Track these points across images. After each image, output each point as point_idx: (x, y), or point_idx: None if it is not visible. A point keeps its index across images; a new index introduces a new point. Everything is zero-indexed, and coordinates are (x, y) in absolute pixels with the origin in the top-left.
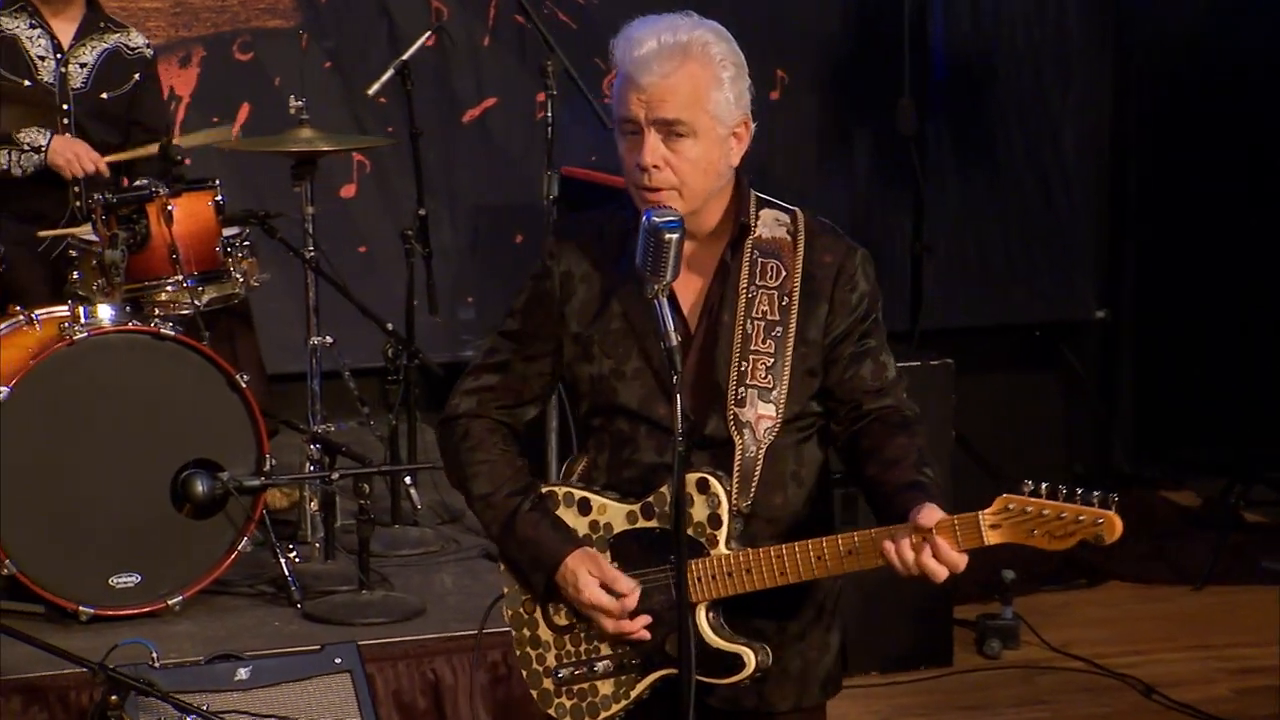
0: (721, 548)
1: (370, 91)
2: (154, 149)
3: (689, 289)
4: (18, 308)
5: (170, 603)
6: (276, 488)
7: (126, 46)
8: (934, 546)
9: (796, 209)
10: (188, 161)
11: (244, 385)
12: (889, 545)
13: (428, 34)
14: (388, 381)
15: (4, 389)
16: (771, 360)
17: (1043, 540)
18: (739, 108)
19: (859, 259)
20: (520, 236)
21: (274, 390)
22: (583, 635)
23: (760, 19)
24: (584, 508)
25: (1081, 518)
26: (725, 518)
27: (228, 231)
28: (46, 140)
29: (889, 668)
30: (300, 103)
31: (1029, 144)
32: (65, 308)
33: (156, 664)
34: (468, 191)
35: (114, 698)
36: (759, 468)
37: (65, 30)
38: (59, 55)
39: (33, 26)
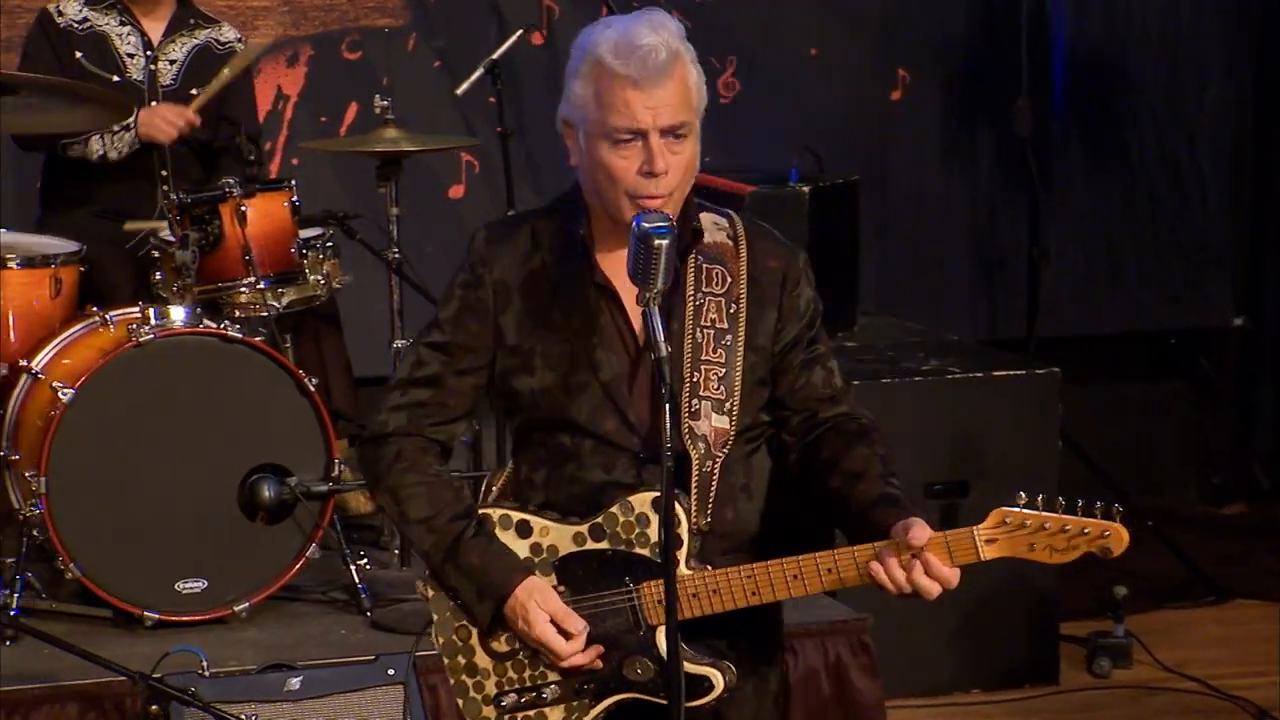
0: (682, 567)
1: (459, 91)
2: (226, 75)
3: (634, 296)
4: (94, 308)
5: (236, 609)
6: (359, 492)
7: (217, 41)
8: (925, 563)
9: (730, 212)
10: (282, 168)
11: (313, 389)
12: (876, 566)
13: (518, 33)
14: None
15: (70, 391)
16: (723, 370)
17: (1043, 554)
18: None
19: (802, 262)
20: None
21: (360, 393)
22: (526, 661)
23: (882, 16)
24: (523, 530)
25: (1086, 530)
26: (685, 537)
27: (308, 233)
28: (134, 115)
29: (992, 685)
30: (385, 102)
31: (1162, 144)
32: (137, 309)
33: (206, 673)
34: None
35: (154, 707)
36: (715, 483)
37: (155, 27)
38: (149, 52)
39: (122, 24)
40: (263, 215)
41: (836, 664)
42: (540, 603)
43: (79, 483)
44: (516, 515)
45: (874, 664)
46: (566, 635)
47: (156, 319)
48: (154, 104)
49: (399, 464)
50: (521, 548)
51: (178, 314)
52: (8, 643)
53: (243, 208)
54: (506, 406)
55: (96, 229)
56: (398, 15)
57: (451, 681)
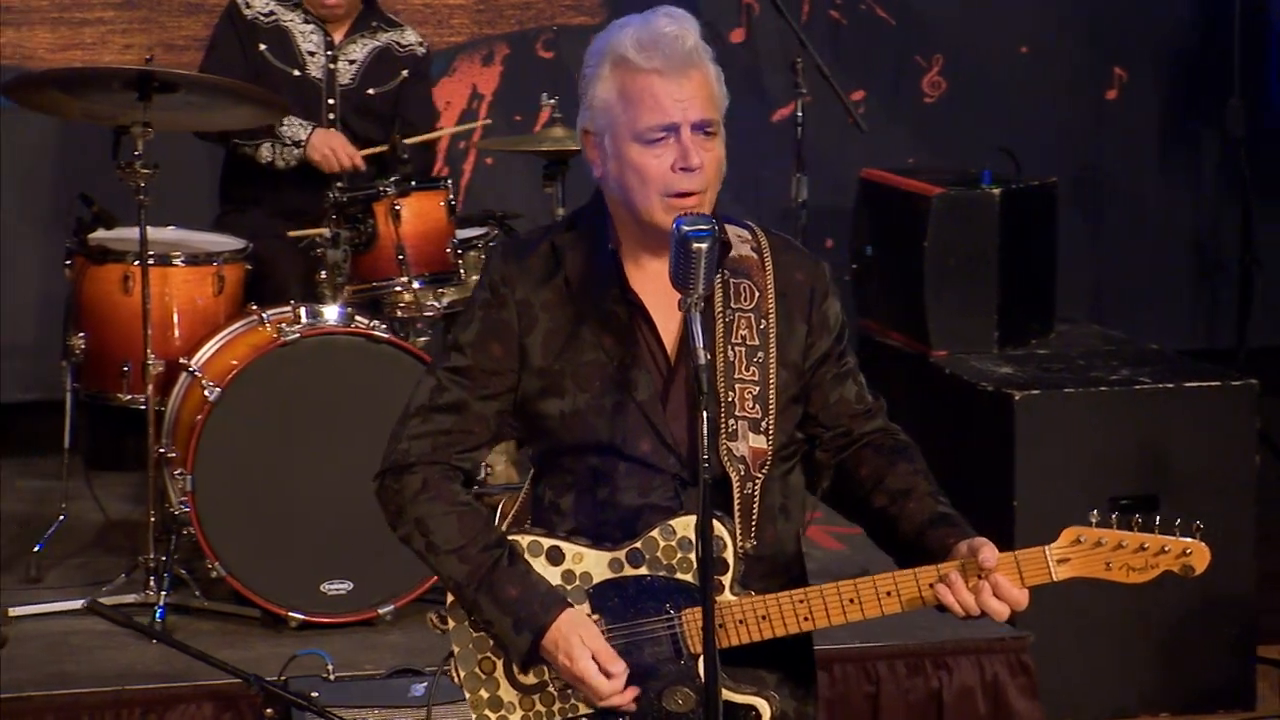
0: (727, 594)
1: None
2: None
3: (666, 313)
4: (254, 306)
5: (381, 612)
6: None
7: (397, 44)
8: (994, 585)
9: (750, 223)
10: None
11: None
12: (943, 588)
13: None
14: None
15: (217, 389)
16: (757, 389)
17: (1120, 574)
18: None
19: (828, 274)
20: (830, 241)
21: None
22: (556, 694)
23: (1091, 14)
24: (554, 556)
25: (1167, 548)
26: (731, 561)
27: (467, 233)
28: (307, 134)
29: (1183, 709)
30: (553, 101)
31: None
32: (289, 307)
33: (331, 676)
34: (776, 194)
35: (269, 710)
36: (756, 505)
37: (338, 27)
38: (329, 51)
39: (306, 21)
40: (417, 215)
41: (994, 683)
42: (584, 638)
43: (225, 482)
44: (547, 541)
45: (1033, 685)
46: (607, 675)
47: (308, 318)
48: (329, 105)
49: (425, 493)
50: (553, 575)
51: (331, 313)
52: (154, 640)
53: (397, 207)
54: (530, 431)
55: (269, 228)
56: (594, 13)
57: (474, 716)
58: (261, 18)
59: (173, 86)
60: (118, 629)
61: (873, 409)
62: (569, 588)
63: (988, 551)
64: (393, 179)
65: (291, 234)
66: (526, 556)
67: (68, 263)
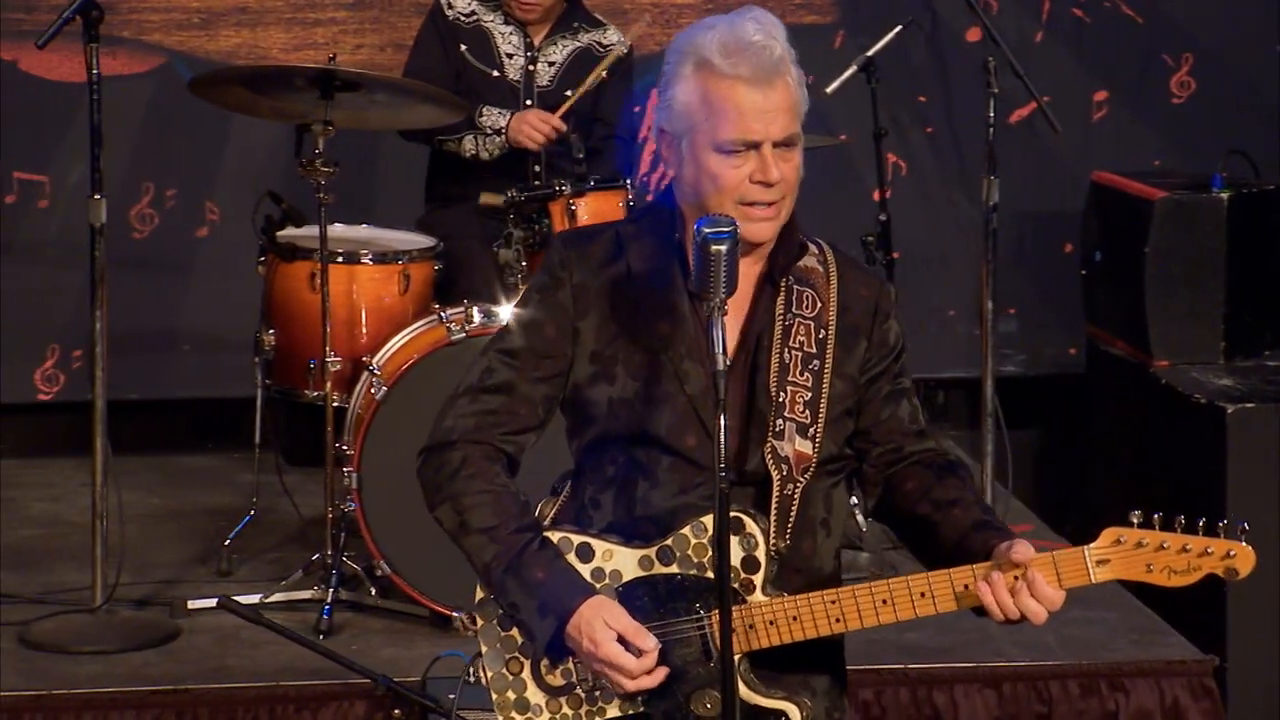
0: (759, 594)
1: (829, 90)
2: (590, 80)
3: (730, 309)
4: (436, 305)
5: None
6: None
7: (598, 44)
8: (1030, 582)
9: (820, 240)
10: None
11: None
12: (984, 587)
13: (895, 30)
14: None
15: (384, 388)
16: (809, 395)
17: (1161, 576)
18: None
19: (892, 294)
20: (1070, 245)
21: None
22: (583, 695)
23: None
24: (584, 553)
25: (1210, 549)
26: (763, 560)
27: None
28: (506, 121)
29: None
30: None
31: None
32: (463, 307)
33: (471, 678)
34: (1012, 197)
35: (396, 711)
36: (795, 507)
37: (538, 29)
38: (529, 53)
39: (506, 22)
40: (594, 214)
41: (1174, 708)
42: (609, 620)
43: (390, 480)
44: (577, 538)
45: (1217, 709)
46: (637, 653)
47: (480, 317)
48: (527, 106)
49: (464, 470)
50: (582, 572)
51: (504, 313)
52: (321, 636)
53: (573, 206)
54: (578, 419)
55: (469, 226)
56: (826, 13)
57: (500, 717)
58: (463, 18)
59: (354, 85)
60: (288, 625)
61: (925, 430)
62: (599, 585)
63: (1020, 547)
64: (570, 178)
65: (484, 200)
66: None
67: (261, 259)
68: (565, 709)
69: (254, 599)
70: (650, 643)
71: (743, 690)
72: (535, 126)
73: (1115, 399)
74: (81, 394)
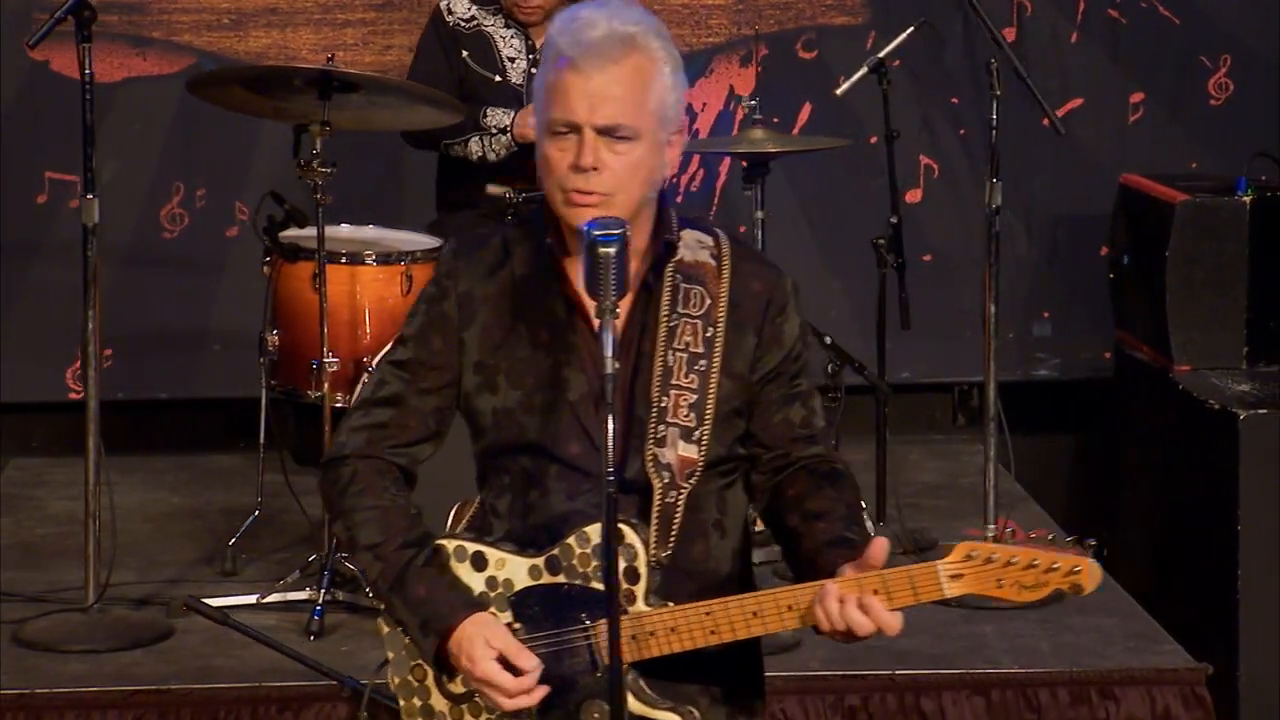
0: (640, 604)
1: (839, 92)
2: None
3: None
4: None
5: None
6: None
7: None
8: (867, 607)
9: (718, 230)
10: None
11: None
12: (824, 594)
13: (909, 30)
14: (828, 399)
15: None
16: (694, 397)
17: (1012, 591)
18: (678, 112)
19: (789, 287)
20: (1105, 249)
21: None
22: (483, 704)
23: None
24: (478, 563)
25: (1056, 565)
26: (643, 570)
27: None
28: (510, 118)
29: None
30: (754, 103)
31: None
32: None
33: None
34: (1047, 199)
35: (363, 713)
36: (679, 515)
37: (540, 31)
38: (530, 55)
39: (507, 25)
40: None
41: (1165, 716)
42: (490, 639)
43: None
44: (472, 547)
45: (1209, 719)
46: (517, 673)
47: None
48: (529, 105)
49: (353, 486)
50: (477, 581)
51: None
52: (311, 637)
53: None
54: (472, 429)
55: (470, 226)
56: (858, 13)
57: None
58: (463, 24)
59: (353, 86)
60: (282, 626)
61: (816, 435)
62: (493, 594)
63: (875, 550)
64: None
65: (490, 190)
66: (452, 562)
67: (266, 259)
68: (468, 716)
69: (251, 599)
70: (530, 663)
71: (631, 701)
72: None
73: (1140, 404)
74: (112, 393)
